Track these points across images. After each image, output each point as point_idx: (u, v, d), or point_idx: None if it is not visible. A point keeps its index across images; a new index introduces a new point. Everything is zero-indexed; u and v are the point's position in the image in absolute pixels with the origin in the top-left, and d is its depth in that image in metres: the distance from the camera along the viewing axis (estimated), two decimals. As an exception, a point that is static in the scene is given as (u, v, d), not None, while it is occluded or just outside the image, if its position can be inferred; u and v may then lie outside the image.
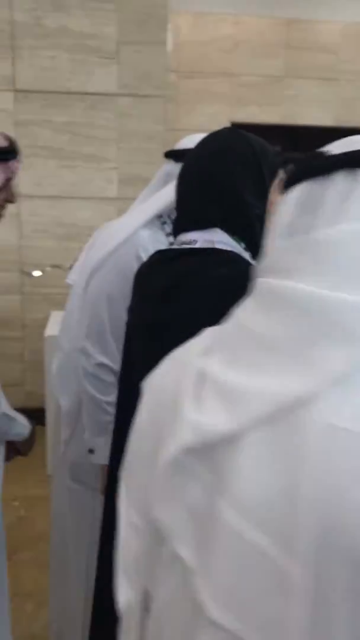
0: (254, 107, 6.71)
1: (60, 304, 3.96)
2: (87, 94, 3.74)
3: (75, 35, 3.67)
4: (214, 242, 1.13)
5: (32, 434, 1.70)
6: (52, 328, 3.45)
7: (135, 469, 0.70)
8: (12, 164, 1.51)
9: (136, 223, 1.71)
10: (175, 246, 1.20)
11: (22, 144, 3.70)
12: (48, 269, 3.58)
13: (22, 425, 1.65)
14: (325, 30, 6.79)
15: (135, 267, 1.65)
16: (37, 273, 3.50)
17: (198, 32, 6.45)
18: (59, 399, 1.92)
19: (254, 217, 1.15)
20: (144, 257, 1.65)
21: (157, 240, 1.72)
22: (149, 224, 1.73)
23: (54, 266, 3.62)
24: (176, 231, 1.23)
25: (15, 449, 1.71)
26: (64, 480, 1.95)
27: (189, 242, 1.16)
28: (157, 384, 0.71)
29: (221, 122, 6.65)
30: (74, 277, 1.93)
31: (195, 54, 6.44)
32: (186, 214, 1.20)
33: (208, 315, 1.03)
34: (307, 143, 8.35)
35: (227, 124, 6.67)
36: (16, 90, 3.68)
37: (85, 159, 3.82)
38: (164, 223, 1.76)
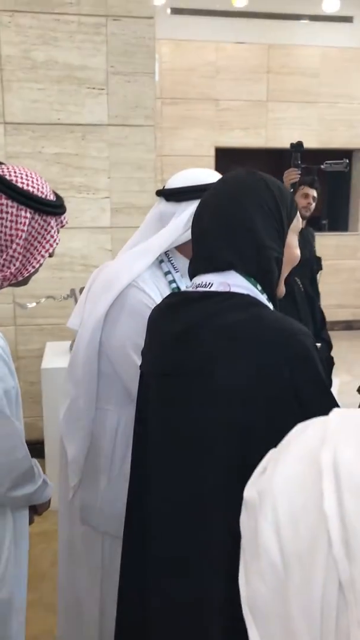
0: (238, 131, 6.79)
1: (54, 335, 3.93)
2: (77, 125, 3.75)
3: (63, 67, 3.68)
4: (230, 286, 1.11)
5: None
6: (48, 360, 3.41)
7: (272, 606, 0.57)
8: (64, 218, 1.45)
9: (137, 267, 1.69)
10: (190, 289, 1.18)
11: (13, 176, 3.70)
12: (42, 300, 3.55)
13: (51, 487, 1.62)
14: (305, 54, 6.91)
15: (144, 303, 1.65)
16: (30, 305, 3.47)
17: (180, 59, 6.54)
18: (65, 446, 1.89)
19: (272, 260, 1.14)
20: (152, 297, 1.65)
21: (158, 280, 1.72)
22: (150, 264, 1.72)
23: (48, 297, 3.59)
24: (191, 273, 1.21)
25: (33, 508, 1.67)
26: (74, 524, 1.90)
27: (205, 285, 1.14)
28: (286, 492, 0.58)
29: (205, 146, 6.73)
30: (75, 322, 1.90)
31: (178, 81, 6.52)
32: (203, 255, 1.18)
33: (225, 360, 1.04)
34: (289, 165, 8.36)
35: (212, 149, 6.74)
36: (6, 123, 3.67)
37: (77, 189, 3.81)
38: (161, 262, 1.76)
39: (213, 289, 1.12)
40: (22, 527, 1.57)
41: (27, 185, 1.31)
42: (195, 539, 1.07)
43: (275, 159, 8.61)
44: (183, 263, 1.76)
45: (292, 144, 3.93)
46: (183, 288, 1.74)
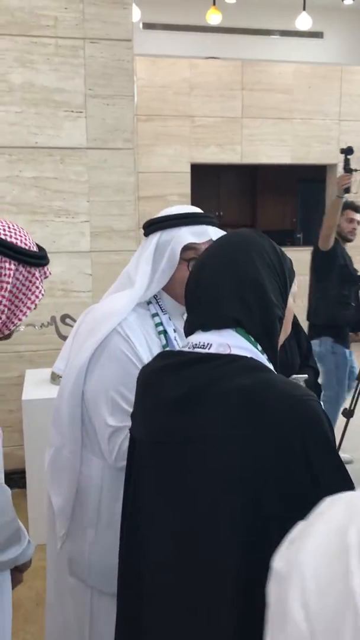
0: (213, 148, 6.79)
1: (32, 362, 3.84)
2: (55, 148, 3.69)
3: (41, 90, 3.63)
4: (231, 347, 1.06)
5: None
6: (29, 391, 3.33)
7: None
8: (47, 269, 1.44)
9: (121, 311, 1.65)
10: (186, 349, 1.11)
11: (-10, 201, 3.63)
12: (22, 328, 3.46)
13: (32, 546, 1.55)
14: (278, 71, 6.95)
15: (126, 350, 1.61)
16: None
17: (154, 76, 6.52)
18: (50, 496, 1.83)
19: (277, 320, 1.10)
20: (133, 340, 1.61)
21: (144, 322, 1.68)
22: (135, 307, 1.68)
23: (28, 325, 3.51)
24: (187, 330, 1.16)
25: (16, 569, 1.61)
26: (62, 575, 1.84)
27: (204, 346, 1.08)
28: (314, 566, 0.59)
29: (181, 163, 6.71)
30: (61, 366, 1.85)
31: (153, 97, 6.49)
32: (202, 310, 1.12)
33: (231, 427, 0.98)
34: (266, 181, 8.46)
35: (187, 165, 6.73)
36: (-18, 146, 3.59)
37: (55, 213, 3.75)
38: (149, 303, 1.72)
39: (212, 350, 1.06)
40: (4, 587, 1.51)
41: (10, 237, 1.31)
42: (195, 616, 1.01)
43: (250, 175, 8.67)
44: (171, 304, 1.73)
45: (342, 149, 3.97)
46: (170, 331, 1.71)
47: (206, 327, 1.10)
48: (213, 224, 1.67)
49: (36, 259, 1.35)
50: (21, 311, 1.36)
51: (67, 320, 3.43)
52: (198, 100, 6.65)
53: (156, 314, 1.70)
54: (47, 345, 3.82)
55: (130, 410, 1.58)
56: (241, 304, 1.07)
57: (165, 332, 1.69)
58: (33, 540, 1.57)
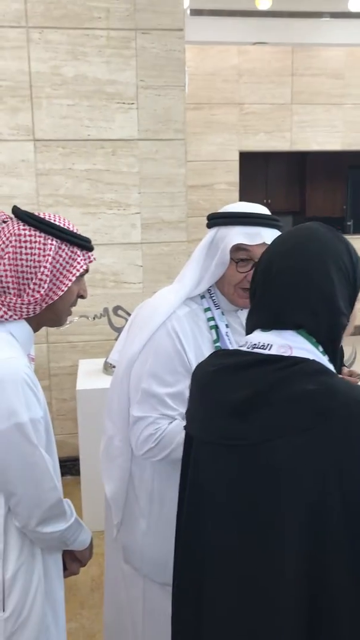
0: (262, 135, 6.71)
1: (86, 352, 3.91)
2: (107, 140, 3.71)
3: (93, 82, 3.65)
4: (292, 348, 1.04)
5: (91, 542, 1.63)
6: (83, 381, 3.39)
7: None
8: (92, 255, 1.52)
9: (171, 304, 1.67)
10: (245, 348, 1.10)
11: (43, 194, 3.70)
12: (76, 319, 3.52)
13: (87, 532, 1.58)
14: (330, 55, 6.80)
15: (170, 346, 1.63)
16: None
17: (203, 64, 6.47)
18: (104, 484, 1.87)
19: (342, 327, 1.08)
20: (181, 336, 1.63)
21: (196, 317, 1.69)
22: (186, 300, 1.69)
23: (81, 316, 3.56)
24: (249, 328, 1.14)
25: (75, 559, 1.64)
26: (117, 561, 1.88)
27: (263, 347, 1.06)
28: None
29: (230, 151, 6.66)
30: (115, 357, 1.88)
31: (201, 86, 6.45)
32: (267, 310, 1.10)
33: (291, 434, 0.97)
34: (315, 168, 8.34)
35: (236, 153, 6.68)
36: (36, 140, 3.64)
37: (107, 205, 3.78)
38: (202, 297, 1.72)
39: (272, 351, 1.04)
40: (53, 573, 1.54)
41: (54, 220, 1.45)
42: (260, 619, 1.01)
43: (299, 162, 8.54)
44: (224, 299, 1.72)
45: None
46: (222, 326, 1.71)
47: (268, 326, 1.08)
48: (271, 226, 1.64)
49: (77, 238, 1.45)
50: (63, 283, 1.44)
51: (120, 312, 3.46)
52: (247, 87, 6.58)
53: (208, 309, 1.71)
54: (99, 336, 3.87)
55: (157, 403, 1.62)
56: (310, 313, 1.05)
57: (216, 327, 1.70)
58: (89, 530, 1.60)
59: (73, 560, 1.65)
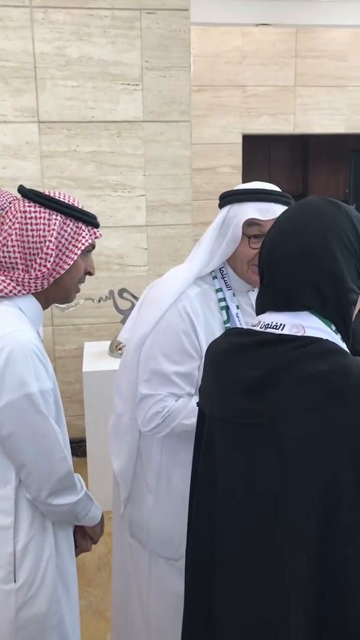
0: (266, 118, 6.67)
1: (91, 335, 3.92)
2: (112, 122, 3.70)
3: (98, 63, 3.62)
4: (304, 328, 1.04)
5: (102, 518, 1.64)
6: (89, 363, 3.40)
7: None
8: (97, 231, 1.54)
9: (181, 284, 1.68)
10: (258, 328, 1.09)
11: (48, 176, 3.68)
12: (81, 301, 3.53)
13: (97, 508, 1.60)
14: (334, 37, 6.74)
15: (181, 326, 1.64)
16: (69, 308, 3.45)
17: (205, 45, 6.41)
18: (112, 460, 1.89)
19: (353, 304, 1.07)
20: (192, 316, 1.64)
21: (207, 297, 1.69)
22: (198, 280, 1.70)
23: (87, 299, 3.57)
24: (259, 309, 1.14)
25: (85, 536, 1.66)
26: (124, 537, 1.91)
27: (276, 326, 1.06)
28: None
29: (233, 133, 6.62)
30: (126, 336, 1.89)
31: (204, 68, 6.40)
32: (275, 291, 1.09)
33: (305, 413, 0.97)
34: (318, 151, 8.28)
35: (239, 136, 6.64)
36: (40, 122, 3.63)
37: (112, 187, 3.77)
38: (214, 278, 1.73)
39: (285, 331, 1.04)
40: (65, 548, 1.56)
41: (59, 197, 1.48)
42: (273, 598, 1.02)
43: (302, 145, 8.50)
44: (237, 280, 1.73)
45: None
46: (232, 307, 1.71)
47: (279, 308, 1.08)
48: (283, 203, 1.64)
49: (82, 214, 1.48)
50: (69, 257, 1.47)
51: (125, 295, 3.47)
52: (250, 69, 6.53)
53: (220, 289, 1.72)
54: (104, 318, 3.88)
55: (165, 381, 1.64)
56: (316, 293, 1.04)
57: (227, 307, 1.71)
58: (99, 505, 1.62)
59: (84, 537, 1.67)
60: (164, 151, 3.78)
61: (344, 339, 1.08)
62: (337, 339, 1.05)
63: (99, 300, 3.54)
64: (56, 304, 1.62)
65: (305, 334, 1.03)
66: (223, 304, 1.71)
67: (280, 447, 0.99)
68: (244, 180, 6.62)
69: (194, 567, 1.20)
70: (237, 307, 1.72)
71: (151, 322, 1.68)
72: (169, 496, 1.76)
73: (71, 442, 2.11)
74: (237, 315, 1.71)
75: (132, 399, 1.74)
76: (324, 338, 1.03)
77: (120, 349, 3.41)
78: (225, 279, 1.73)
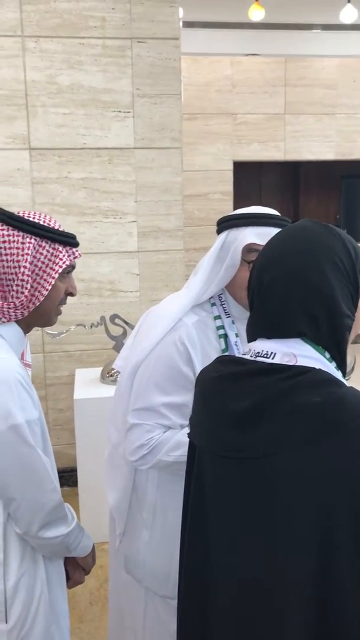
0: (256, 145, 6.73)
1: (82, 362, 3.87)
2: (103, 148, 3.70)
3: (89, 90, 3.64)
4: (296, 357, 0.99)
5: (93, 548, 1.59)
6: (80, 390, 3.35)
7: None
8: (76, 251, 1.49)
9: (177, 313, 1.64)
10: (248, 356, 1.05)
11: (39, 202, 3.67)
12: (72, 327, 3.49)
13: (89, 538, 1.55)
14: (322, 66, 6.85)
15: (175, 355, 1.59)
16: (61, 334, 3.41)
17: (196, 74, 6.49)
18: (106, 492, 1.84)
19: (346, 329, 1.03)
20: (188, 346, 1.60)
21: (204, 326, 1.65)
22: (195, 307, 1.66)
23: (78, 325, 3.53)
24: (250, 336, 1.09)
25: (77, 567, 1.60)
26: (119, 572, 1.85)
27: (267, 355, 1.01)
28: None
29: (224, 160, 6.67)
30: (120, 364, 1.86)
31: (195, 96, 6.47)
32: (266, 318, 1.04)
33: (297, 447, 0.92)
34: (309, 177, 8.37)
35: (230, 163, 6.69)
36: (31, 149, 3.63)
37: (104, 214, 3.76)
38: (213, 305, 1.69)
39: (276, 360, 0.99)
40: (56, 582, 1.50)
41: (34, 218, 1.42)
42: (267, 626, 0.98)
43: (292, 171, 8.57)
44: (236, 307, 1.69)
45: None
46: (231, 335, 1.67)
47: (270, 335, 1.03)
48: (282, 227, 1.61)
49: (58, 235, 1.42)
50: (47, 282, 1.41)
51: (117, 320, 3.43)
52: (240, 97, 6.60)
53: (218, 317, 1.67)
54: (96, 345, 3.84)
55: (153, 411, 1.60)
56: (309, 319, 1.00)
57: (225, 336, 1.66)
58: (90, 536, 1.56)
59: (76, 569, 1.61)
60: (155, 178, 3.78)
61: (338, 367, 1.04)
62: (331, 367, 1.01)
63: (91, 327, 3.50)
64: (47, 331, 1.59)
65: (297, 363, 0.99)
66: (222, 332, 1.66)
67: (271, 484, 0.95)
68: (236, 207, 6.67)
69: (186, 607, 1.15)
70: (237, 335, 1.67)
71: (145, 350, 1.64)
72: (164, 532, 1.70)
73: (62, 472, 2.07)
74: (235, 344, 1.66)
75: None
76: (317, 367, 0.98)
77: (112, 375, 3.37)
78: (224, 305, 1.69)
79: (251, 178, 7.66)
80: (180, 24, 7.28)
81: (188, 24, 7.96)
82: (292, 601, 0.93)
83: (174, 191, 3.83)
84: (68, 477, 3.69)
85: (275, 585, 0.95)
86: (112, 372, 3.35)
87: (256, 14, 6.21)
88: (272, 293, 1.03)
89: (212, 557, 1.07)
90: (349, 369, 3.58)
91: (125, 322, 3.43)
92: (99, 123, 3.68)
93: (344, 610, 0.91)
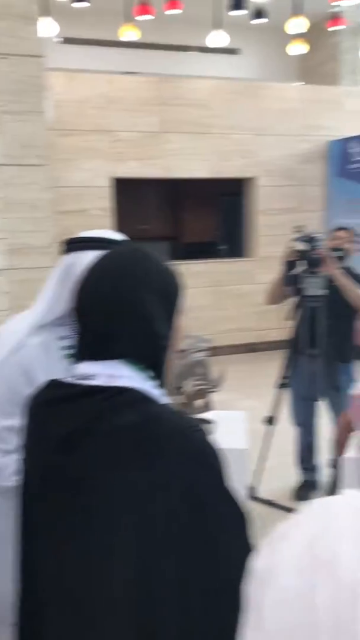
0: (133, 162, 6.81)
1: None
2: (-33, 164, 3.62)
3: None
4: (117, 378, 1.02)
5: None
6: None
7: None
8: None
9: (24, 331, 1.62)
10: (73, 380, 1.07)
11: None
12: None
13: None
14: (196, 86, 7.06)
15: (15, 377, 1.58)
16: None
17: (73, 90, 6.49)
18: None
19: (162, 351, 1.07)
20: (29, 368, 1.58)
21: (47, 347, 1.64)
22: (39, 329, 1.64)
23: None
24: (77, 358, 1.11)
25: None
26: None
27: (88, 377, 1.04)
28: (285, 573, 0.59)
29: (101, 177, 6.70)
30: None
31: (72, 112, 6.46)
32: (87, 340, 1.07)
33: (117, 468, 0.95)
34: (188, 194, 8.56)
35: (108, 180, 6.72)
36: None
37: (-31, 231, 3.67)
38: (60, 325, 1.66)
39: (97, 382, 1.02)
40: None
41: None
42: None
43: (172, 188, 8.74)
44: None
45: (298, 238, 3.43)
46: None
47: (92, 357, 1.06)
48: None
49: None
50: None
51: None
52: (117, 115, 6.67)
53: (65, 337, 1.66)
54: None
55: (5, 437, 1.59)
56: (129, 340, 1.03)
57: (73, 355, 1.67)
58: None
59: None
60: (23, 194, 3.74)
61: (161, 385, 1.07)
62: (149, 386, 1.04)
63: None
64: None
65: (116, 384, 1.01)
66: (68, 352, 1.67)
67: (94, 504, 0.97)
68: (117, 223, 6.71)
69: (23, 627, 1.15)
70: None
71: None
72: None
73: None
74: None
75: None
76: (134, 387, 1.01)
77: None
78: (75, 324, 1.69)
79: (130, 194, 7.73)
80: (61, 40, 7.26)
81: (68, 40, 7.97)
82: (117, 609, 0.95)
83: (43, 208, 3.80)
84: None
85: (98, 596, 0.97)
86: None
87: (128, 34, 6.32)
88: (92, 316, 1.05)
89: (41, 575, 1.07)
90: (216, 382, 3.67)
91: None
92: None
93: (165, 611, 0.94)
